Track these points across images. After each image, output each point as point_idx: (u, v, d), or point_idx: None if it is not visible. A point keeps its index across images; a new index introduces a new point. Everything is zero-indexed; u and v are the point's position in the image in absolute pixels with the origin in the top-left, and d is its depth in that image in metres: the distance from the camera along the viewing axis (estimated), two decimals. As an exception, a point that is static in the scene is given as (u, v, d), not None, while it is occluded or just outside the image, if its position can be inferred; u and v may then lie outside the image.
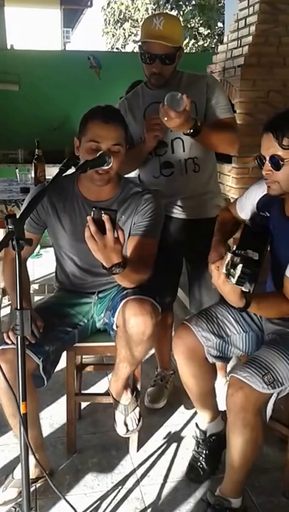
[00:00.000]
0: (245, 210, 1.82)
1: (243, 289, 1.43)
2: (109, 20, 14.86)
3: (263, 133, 1.51)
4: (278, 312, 1.62)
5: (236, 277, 1.39)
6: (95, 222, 1.40)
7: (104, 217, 1.39)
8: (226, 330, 1.74)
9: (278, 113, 1.53)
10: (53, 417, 2.19)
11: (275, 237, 1.68)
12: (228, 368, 2.39)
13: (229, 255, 1.42)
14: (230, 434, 1.56)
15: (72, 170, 1.48)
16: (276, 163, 1.48)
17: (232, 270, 1.40)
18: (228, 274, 1.42)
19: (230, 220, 1.90)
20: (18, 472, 1.73)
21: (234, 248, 1.49)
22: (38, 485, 1.77)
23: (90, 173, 1.61)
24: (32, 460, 1.43)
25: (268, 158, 1.50)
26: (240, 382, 1.48)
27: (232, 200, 2.68)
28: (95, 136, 1.63)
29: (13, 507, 1.40)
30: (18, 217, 1.21)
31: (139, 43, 1.96)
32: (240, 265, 1.38)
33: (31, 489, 1.56)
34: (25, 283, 1.56)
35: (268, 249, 1.72)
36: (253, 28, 3.40)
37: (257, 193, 1.72)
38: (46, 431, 2.02)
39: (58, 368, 1.78)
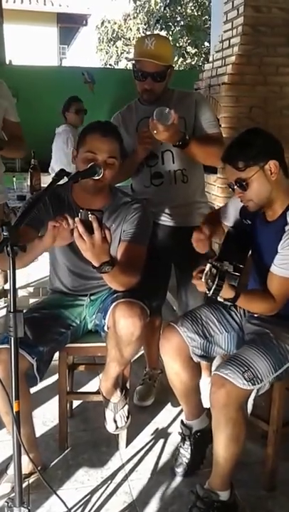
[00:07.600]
0: (228, 217, 1.83)
1: (219, 299, 1.50)
2: (103, 39, 14.89)
3: (223, 164, 1.60)
4: (263, 307, 1.63)
5: (212, 289, 1.46)
6: (83, 223, 1.41)
7: (92, 218, 1.41)
8: (209, 330, 1.73)
9: (230, 143, 1.61)
10: (46, 414, 2.17)
11: (258, 240, 1.70)
12: (213, 368, 2.38)
13: (208, 266, 1.48)
14: (215, 430, 1.56)
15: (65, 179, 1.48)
16: (241, 185, 1.57)
17: (209, 281, 1.47)
18: (206, 284, 1.48)
19: (217, 213, 1.95)
20: (12, 468, 1.70)
21: (217, 255, 1.56)
22: (31, 480, 1.74)
23: (85, 180, 1.61)
24: (25, 456, 1.42)
25: (234, 183, 1.58)
26: (222, 379, 1.49)
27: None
28: (92, 148, 1.64)
29: (6, 501, 1.38)
30: (12, 224, 1.20)
31: (132, 62, 1.97)
32: (216, 278, 1.45)
33: (24, 484, 1.54)
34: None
35: (250, 254, 1.74)
36: (236, 49, 3.43)
37: (239, 201, 1.73)
38: (39, 428, 1.99)
39: (51, 367, 1.76)
